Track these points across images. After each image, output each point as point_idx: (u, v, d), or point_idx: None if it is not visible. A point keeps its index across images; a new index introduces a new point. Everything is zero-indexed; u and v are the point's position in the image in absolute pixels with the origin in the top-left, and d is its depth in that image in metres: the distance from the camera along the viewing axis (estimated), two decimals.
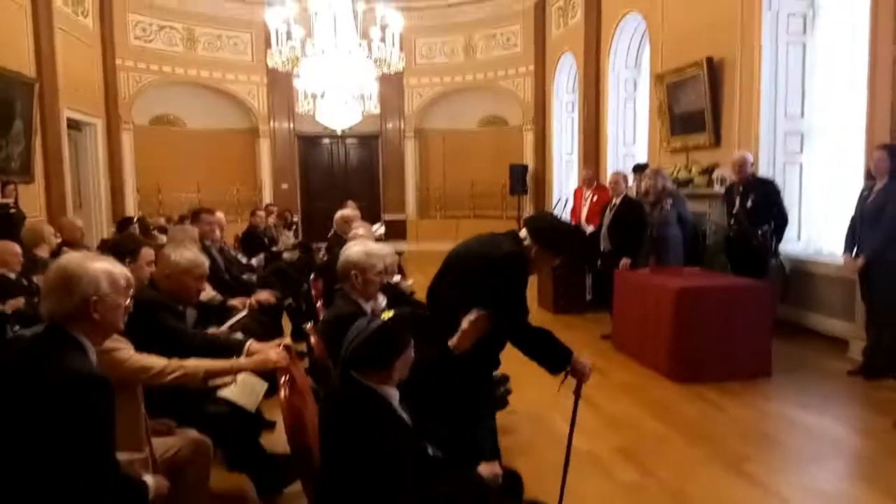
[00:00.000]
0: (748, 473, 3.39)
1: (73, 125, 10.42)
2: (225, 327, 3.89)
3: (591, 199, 7.77)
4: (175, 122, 13.50)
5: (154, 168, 12.60)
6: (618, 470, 3.48)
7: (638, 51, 9.62)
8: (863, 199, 4.91)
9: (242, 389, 3.19)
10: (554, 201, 11.44)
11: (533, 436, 3.97)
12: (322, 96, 9.08)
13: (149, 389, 2.56)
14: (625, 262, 6.04)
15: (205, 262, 3.25)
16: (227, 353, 2.84)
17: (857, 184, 5.21)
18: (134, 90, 12.26)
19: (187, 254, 3.17)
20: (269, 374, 3.38)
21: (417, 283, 6.25)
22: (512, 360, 5.19)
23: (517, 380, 4.55)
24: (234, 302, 4.31)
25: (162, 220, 7.95)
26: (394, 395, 2.06)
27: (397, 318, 2.03)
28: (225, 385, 3.17)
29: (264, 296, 5.04)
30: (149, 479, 2.00)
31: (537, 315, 7.34)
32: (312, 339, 3.26)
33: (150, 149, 12.53)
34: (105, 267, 1.97)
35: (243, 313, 4.14)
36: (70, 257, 2.02)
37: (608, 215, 6.55)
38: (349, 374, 2.01)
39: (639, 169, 7.41)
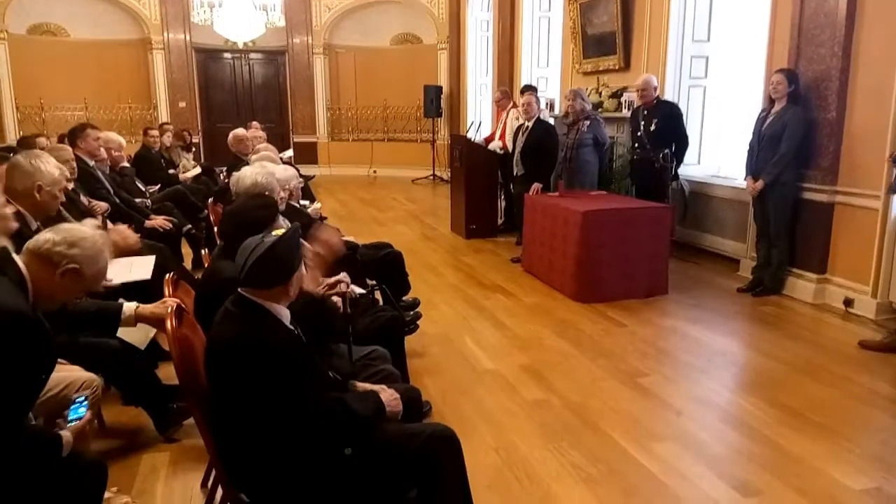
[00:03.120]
0: (644, 386, 3.56)
1: None
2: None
3: (504, 121, 7.69)
4: (57, 32, 12.23)
5: (35, 83, 11.48)
6: (522, 387, 3.57)
7: None
8: (760, 123, 5.07)
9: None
10: (468, 124, 11.30)
11: (441, 357, 4.00)
12: (220, 4, 8.41)
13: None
14: (535, 186, 6.08)
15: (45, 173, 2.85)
16: (103, 325, 2.60)
17: (757, 108, 5.36)
18: None
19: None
20: (155, 300, 3.22)
21: (328, 208, 6.11)
22: (423, 283, 5.22)
23: (428, 303, 4.58)
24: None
25: (43, 140, 7.26)
26: (285, 313, 2.00)
27: (289, 234, 1.93)
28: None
29: (159, 221, 4.75)
30: (65, 433, 1.89)
31: (450, 240, 7.40)
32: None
33: (28, 61, 11.38)
34: None
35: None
36: None
37: (521, 139, 6.52)
38: (238, 293, 1.92)
39: (525, 90, 7.32)
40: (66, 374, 2.43)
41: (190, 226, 5.62)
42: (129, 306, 2.46)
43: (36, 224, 2.83)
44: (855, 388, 3.55)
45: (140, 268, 3.24)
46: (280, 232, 1.96)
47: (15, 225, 2.44)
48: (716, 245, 6.12)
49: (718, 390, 3.62)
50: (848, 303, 4.73)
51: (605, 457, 2.86)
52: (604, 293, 5.00)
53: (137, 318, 2.49)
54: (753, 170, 5.10)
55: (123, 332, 2.96)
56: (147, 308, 2.45)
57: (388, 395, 2.10)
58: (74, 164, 4.33)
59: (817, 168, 4.90)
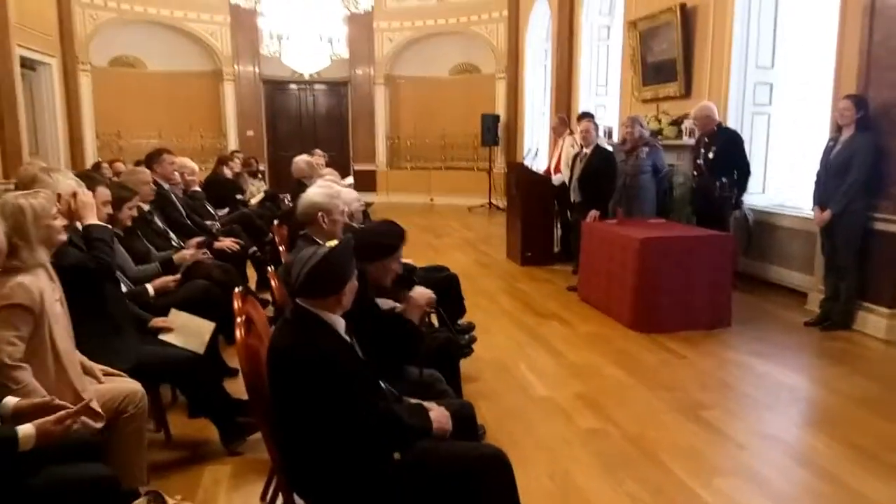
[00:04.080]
0: (706, 420, 3.46)
1: (27, 65, 9.92)
2: (178, 275, 3.79)
3: (561, 149, 7.69)
4: (135, 64, 12.98)
5: (114, 112, 12.16)
6: (578, 416, 3.52)
7: None
8: (828, 151, 4.92)
9: (184, 332, 3.15)
10: (525, 152, 11.35)
11: (496, 383, 3.99)
12: (288, 37, 8.77)
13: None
14: (593, 213, 6.04)
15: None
16: None
17: (824, 136, 5.22)
18: (91, 28, 11.71)
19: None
20: (221, 322, 3.36)
21: None
22: (478, 309, 5.24)
23: (483, 328, 4.58)
24: (184, 254, 4.17)
25: (120, 166, 7.68)
26: (340, 322, 2.06)
27: (345, 243, 2.00)
28: (166, 331, 3.13)
29: (227, 243, 4.94)
30: (24, 428, 1.82)
31: (505, 267, 7.41)
32: (274, 284, 3.21)
33: (109, 91, 12.07)
34: None
35: (187, 263, 4.03)
36: None
37: (578, 166, 6.51)
38: (296, 303, 1.99)
39: (582, 117, 7.31)
40: (109, 386, 2.53)
41: (255, 248, 5.82)
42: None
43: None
44: None
45: (195, 338, 3.18)
46: (333, 243, 2.04)
47: (63, 237, 2.53)
48: (782, 277, 5.93)
49: (785, 426, 3.49)
50: None
51: (665, 490, 2.79)
52: (663, 323, 4.89)
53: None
54: (821, 199, 4.94)
55: (178, 340, 3.10)
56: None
57: (438, 413, 2.12)
58: (153, 187, 4.56)
59: (888, 197, 4.70)
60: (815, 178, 5.04)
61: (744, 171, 5.72)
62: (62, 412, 1.88)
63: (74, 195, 2.88)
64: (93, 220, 2.91)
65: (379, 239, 2.65)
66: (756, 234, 6.16)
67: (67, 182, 2.97)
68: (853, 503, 2.69)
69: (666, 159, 6.36)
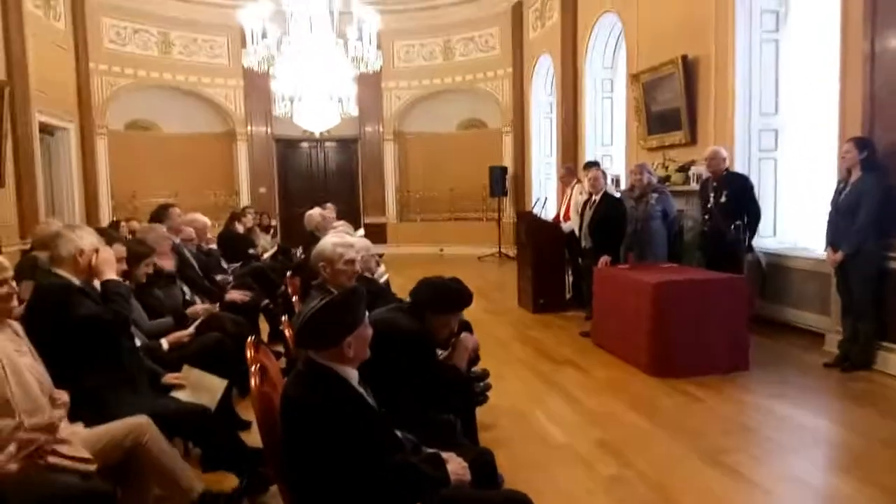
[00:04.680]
0: (729, 465, 3.38)
1: (46, 130, 10.22)
2: (191, 329, 3.82)
3: (569, 197, 7.76)
4: (150, 127, 13.32)
5: (129, 173, 12.42)
6: (598, 463, 3.45)
7: (614, 51, 9.68)
8: (838, 193, 4.94)
9: (196, 388, 3.15)
10: (533, 201, 11.43)
11: (512, 430, 3.94)
12: (299, 99, 9.01)
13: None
14: (604, 259, 6.05)
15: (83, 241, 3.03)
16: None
17: (832, 178, 5.25)
18: (108, 94, 12.09)
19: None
20: (232, 371, 3.36)
21: (397, 284, 6.24)
22: (491, 357, 5.19)
23: (497, 374, 4.53)
24: (196, 308, 4.21)
25: (135, 224, 7.80)
26: (352, 374, 2.03)
27: (345, 293, 1.99)
28: (178, 387, 3.14)
29: (237, 295, 4.97)
30: None
31: (517, 315, 7.38)
32: (288, 334, 3.22)
33: (124, 154, 12.35)
34: None
35: (201, 318, 4.05)
36: None
37: (588, 213, 6.56)
38: (307, 355, 1.98)
39: (588, 166, 7.44)
40: (103, 427, 2.52)
41: (268, 300, 5.85)
42: None
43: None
44: None
45: (207, 394, 3.19)
46: (335, 294, 2.03)
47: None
48: (798, 319, 5.87)
49: (809, 469, 3.41)
50: None
51: None
52: (680, 368, 4.82)
53: None
54: (833, 240, 4.93)
55: (189, 396, 3.09)
56: None
57: (456, 465, 2.08)
58: (170, 242, 4.65)
59: None
60: (826, 220, 5.05)
61: (755, 214, 5.75)
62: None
63: (97, 251, 2.96)
64: (111, 275, 2.99)
65: (448, 295, 2.68)
66: (770, 276, 6.14)
67: (90, 239, 3.05)
68: None
69: (675, 205, 6.40)
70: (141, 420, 2.56)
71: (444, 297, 2.66)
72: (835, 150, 5.30)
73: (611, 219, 6.27)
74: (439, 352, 2.83)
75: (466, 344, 2.73)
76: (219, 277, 5.62)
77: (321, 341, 1.97)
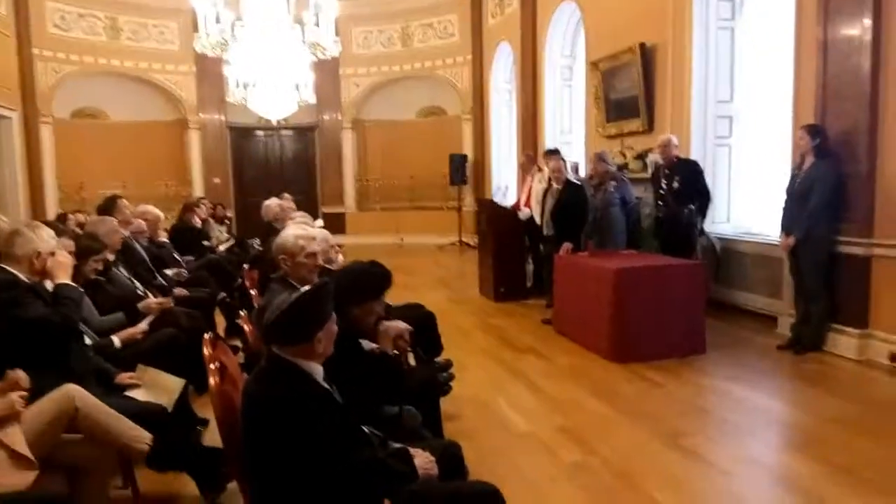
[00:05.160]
0: (688, 448, 3.43)
1: None
2: (144, 325, 3.69)
3: (530, 185, 7.77)
4: (98, 115, 12.90)
5: (77, 163, 12.02)
6: (561, 450, 3.47)
7: (573, 38, 9.71)
8: (793, 180, 5.06)
9: (153, 388, 3.06)
10: (493, 190, 11.46)
11: (476, 420, 3.93)
12: (254, 85, 8.80)
13: None
14: (566, 246, 6.07)
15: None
16: None
17: (785, 165, 5.37)
18: (53, 81, 11.63)
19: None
20: (187, 368, 3.27)
21: None
22: (454, 346, 5.18)
23: (460, 365, 4.52)
24: (149, 302, 4.08)
25: (81, 217, 7.53)
26: (317, 370, 1.99)
27: (316, 289, 1.94)
28: (132, 387, 3.04)
29: (178, 291, 4.85)
30: None
31: (479, 304, 7.39)
32: (247, 329, 3.14)
33: (71, 143, 11.95)
34: None
35: (150, 317, 3.93)
36: None
37: (550, 201, 6.57)
38: (270, 350, 1.92)
39: (549, 153, 7.48)
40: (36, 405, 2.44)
41: (224, 294, 5.71)
42: None
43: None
44: None
45: (164, 393, 3.09)
46: (305, 289, 1.97)
47: None
48: (751, 303, 6.01)
49: (764, 450, 3.49)
50: (894, 357, 4.56)
51: None
52: (640, 353, 4.89)
53: None
54: (786, 226, 5.06)
55: (145, 396, 2.99)
56: None
57: (424, 459, 2.05)
58: (121, 235, 4.50)
59: (851, 221, 4.83)
60: (783, 206, 5.16)
61: (705, 198, 5.90)
62: None
63: (53, 254, 2.91)
64: (65, 279, 2.94)
65: (367, 281, 2.58)
66: (724, 261, 6.27)
67: (49, 241, 2.97)
68: None
69: (633, 192, 6.46)
70: (66, 387, 2.50)
71: (362, 284, 2.58)
72: (789, 137, 5.42)
73: (573, 205, 6.31)
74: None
75: (388, 332, 2.67)
76: (173, 271, 5.46)
77: (293, 337, 1.93)
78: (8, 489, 2.01)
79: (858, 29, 4.72)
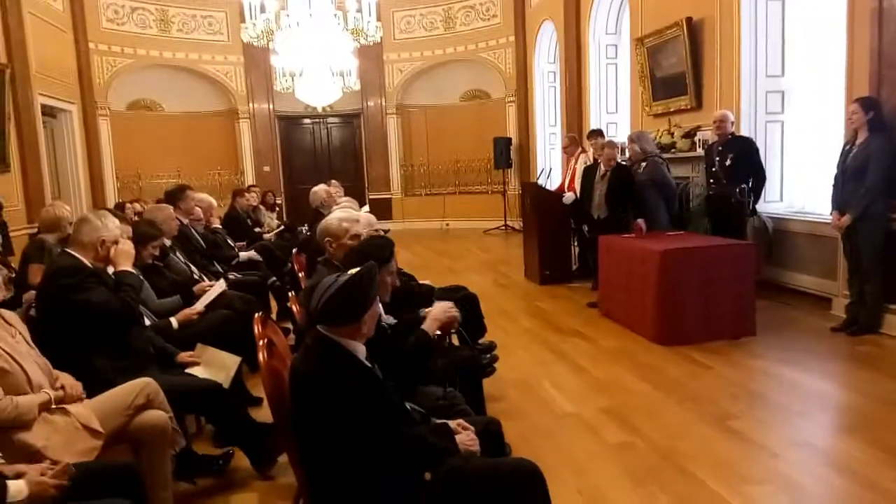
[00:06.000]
0: (737, 430, 3.40)
1: (48, 112, 10.20)
2: (200, 305, 3.84)
3: (573, 167, 7.70)
4: (152, 107, 13.28)
5: (133, 154, 12.41)
6: (605, 430, 3.48)
7: (618, 15, 9.51)
8: (845, 156, 4.89)
9: (211, 366, 3.19)
10: (538, 172, 11.38)
11: (520, 401, 3.97)
12: (300, 74, 8.94)
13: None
14: (639, 222, 5.80)
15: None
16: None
17: (839, 141, 5.19)
18: (109, 75, 12.03)
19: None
20: (241, 348, 3.40)
21: (403, 259, 6.24)
22: (499, 329, 5.22)
23: (504, 347, 4.56)
24: (203, 285, 4.24)
25: (139, 206, 7.82)
26: (361, 349, 2.06)
27: (364, 272, 2.00)
28: (193, 364, 3.18)
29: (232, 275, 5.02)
30: (15, 483, 1.79)
31: (524, 287, 7.40)
32: (295, 309, 3.24)
33: (127, 134, 12.34)
34: None
35: (216, 291, 4.08)
36: None
37: (601, 183, 6.49)
38: (317, 330, 1.99)
39: (593, 134, 7.41)
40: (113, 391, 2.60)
41: (274, 278, 5.88)
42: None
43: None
44: None
45: (221, 371, 3.21)
46: (354, 271, 2.04)
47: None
48: (805, 284, 5.85)
49: (817, 433, 3.43)
50: None
51: (697, 500, 2.74)
52: (687, 335, 4.83)
53: None
54: (839, 204, 4.89)
55: (204, 373, 3.13)
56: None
57: (465, 437, 2.10)
58: (177, 223, 4.68)
59: None
60: (832, 183, 5.00)
61: (760, 177, 5.75)
62: (61, 465, 1.91)
63: (116, 242, 3.05)
64: (127, 266, 3.07)
65: (370, 252, 2.58)
66: (776, 241, 6.11)
67: (114, 229, 3.11)
68: None
69: (680, 172, 6.35)
70: (147, 379, 2.64)
71: (368, 254, 2.55)
72: (841, 112, 5.22)
73: (620, 187, 6.24)
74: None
75: (436, 314, 2.72)
76: (245, 254, 5.70)
77: (342, 318, 2.00)
78: (76, 457, 2.15)
79: None
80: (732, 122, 5.88)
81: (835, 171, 4.98)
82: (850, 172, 4.79)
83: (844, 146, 4.94)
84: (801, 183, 6.38)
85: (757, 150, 5.80)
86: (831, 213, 5.00)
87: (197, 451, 3.12)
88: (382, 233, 4.74)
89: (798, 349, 4.65)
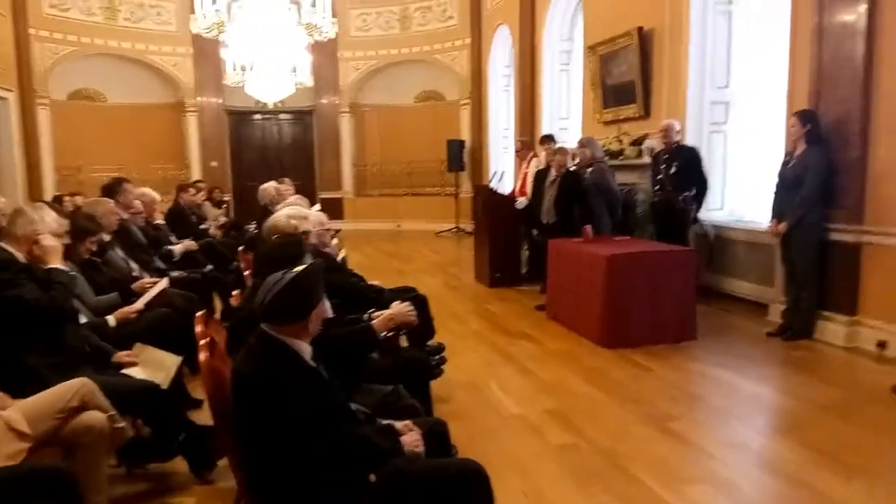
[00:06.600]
0: (677, 431, 3.48)
1: None
2: (140, 303, 3.73)
3: (525, 171, 7.77)
4: (95, 97, 12.84)
5: (74, 145, 11.98)
6: (550, 432, 3.52)
7: (572, 23, 9.67)
8: (784, 166, 5.08)
9: (149, 366, 3.10)
10: (490, 175, 11.45)
11: (467, 402, 3.97)
12: (251, 68, 8.78)
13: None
14: (587, 229, 5.83)
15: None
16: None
17: (779, 152, 5.38)
18: (50, 62, 11.58)
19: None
20: (181, 348, 3.31)
21: (354, 261, 6.18)
22: (448, 331, 5.22)
23: (453, 349, 4.57)
24: (143, 282, 4.12)
25: (79, 199, 7.53)
26: (306, 349, 2.02)
27: (311, 269, 1.97)
28: (130, 364, 3.08)
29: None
30: None
31: (474, 289, 7.43)
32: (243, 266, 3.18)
33: (68, 125, 11.91)
34: None
35: (157, 289, 3.96)
36: None
37: (551, 188, 6.55)
38: (261, 328, 1.95)
39: (545, 139, 7.51)
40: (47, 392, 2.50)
41: (211, 266, 5.76)
42: None
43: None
44: (890, 430, 3.45)
45: (161, 371, 3.12)
46: (300, 269, 2.00)
47: None
48: (743, 290, 6.05)
49: (751, 434, 3.53)
50: (882, 345, 4.61)
51: (636, 500, 2.79)
52: (631, 339, 4.94)
53: None
54: (777, 213, 5.08)
55: (141, 372, 3.04)
56: None
57: (411, 438, 2.10)
58: (117, 217, 4.53)
59: (842, 208, 4.86)
60: (773, 192, 5.18)
61: (702, 186, 5.92)
62: None
63: (36, 241, 2.95)
64: (56, 263, 2.97)
65: (282, 256, 2.44)
66: (717, 248, 6.30)
67: (50, 222, 2.99)
68: None
69: (627, 178, 6.48)
70: (82, 380, 2.54)
71: (278, 261, 2.34)
72: (783, 123, 5.42)
73: (570, 193, 6.32)
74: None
75: (393, 313, 2.71)
76: (180, 246, 5.54)
77: (288, 316, 1.97)
78: (1, 460, 2.05)
79: (853, 15, 4.72)
80: (678, 132, 6.04)
81: (774, 180, 5.17)
82: (788, 182, 4.98)
83: (784, 157, 5.13)
84: (742, 192, 6.60)
85: (700, 159, 5.99)
86: (770, 222, 5.18)
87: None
88: (333, 232, 4.70)
89: (736, 353, 4.80)
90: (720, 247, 6.29)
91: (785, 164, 5.08)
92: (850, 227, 4.81)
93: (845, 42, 4.79)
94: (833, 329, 4.91)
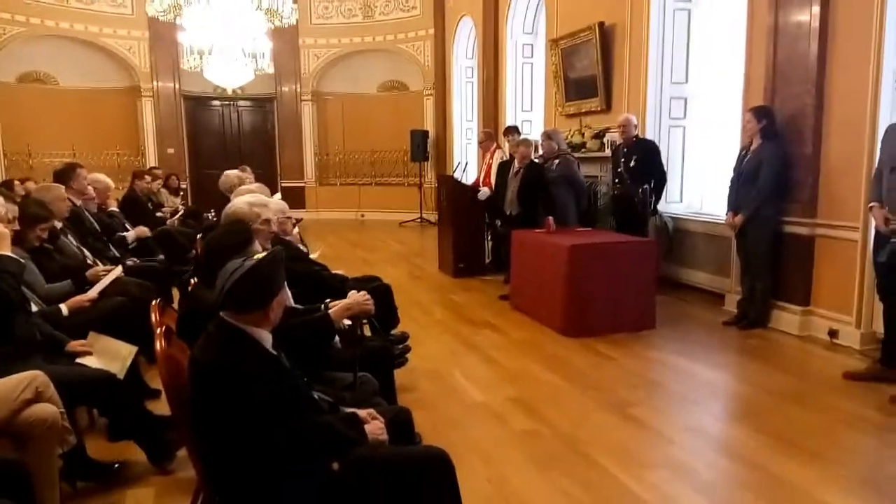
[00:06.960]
0: (636, 417, 3.55)
1: None
2: (94, 291, 3.62)
3: (489, 162, 7.78)
4: (46, 80, 12.36)
5: (23, 130, 11.53)
6: (513, 419, 3.55)
7: (535, 16, 9.71)
8: (741, 160, 5.20)
9: (104, 356, 3.02)
10: (454, 165, 11.45)
11: (431, 391, 3.98)
12: (209, 52, 8.57)
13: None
14: (549, 220, 5.87)
15: None
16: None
17: (735, 146, 5.51)
18: None
19: None
20: (137, 337, 3.24)
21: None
22: (412, 321, 5.21)
23: (417, 339, 4.57)
24: (97, 270, 4.01)
25: (31, 185, 7.27)
26: (266, 337, 1.98)
27: (272, 256, 1.94)
28: (84, 354, 2.99)
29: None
30: None
31: (438, 279, 7.43)
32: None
33: (17, 108, 11.45)
34: None
35: (111, 277, 3.86)
36: None
37: (514, 180, 6.57)
38: (220, 317, 1.91)
39: (509, 131, 7.57)
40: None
41: (163, 256, 5.64)
42: None
43: None
44: (842, 415, 3.57)
45: (116, 361, 3.05)
46: (261, 256, 1.97)
47: None
48: (701, 280, 6.19)
49: (709, 420, 3.63)
50: (833, 334, 4.77)
51: (597, 485, 2.84)
52: (592, 328, 5.01)
53: None
54: (734, 205, 5.20)
55: (96, 362, 2.95)
56: None
57: (374, 426, 2.08)
58: (69, 203, 4.38)
59: (796, 202, 5.01)
60: (728, 185, 5.30)
61: (661, 178, 6.03)
62: None
63: None
64: (5, 250, 2.85)
65: (225, 247, 2.41)
66: (675, 240, 6.43)
67: None
68: (775, 488, 2.81)
69: (589, 171, 6.56)
70: (35, 372, 2.46)
71: (221, 252, 2.35)
72: (739, 118, 5.55)
73: (533, 184, 6.36)
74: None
75: (348, 303, 2.68)
76: (133, 233, 5.40)
77: (248, 304, 1.92)
78: None
79: (807, 15, 4.85)
80: (636, 126, 6.16)
81: (731, 174, 5.29)
82: (744, 176, 5.10)
83: (740, 151, 5.25)
84: (700, 185, 6.75)
85: (658, 153, 6.11)
86: (726, 214, 5.31)
87: (88, 454, 2.91)
88: (295, 221, 4.64)
89: (693, 341, 4.92)
90: (678, 238, 6.42)
91: (741, 158, 5.20)
92: (803, 221, 4.96)
93: (799, 41, 4.92)
94: (787, 318, 5.06)
